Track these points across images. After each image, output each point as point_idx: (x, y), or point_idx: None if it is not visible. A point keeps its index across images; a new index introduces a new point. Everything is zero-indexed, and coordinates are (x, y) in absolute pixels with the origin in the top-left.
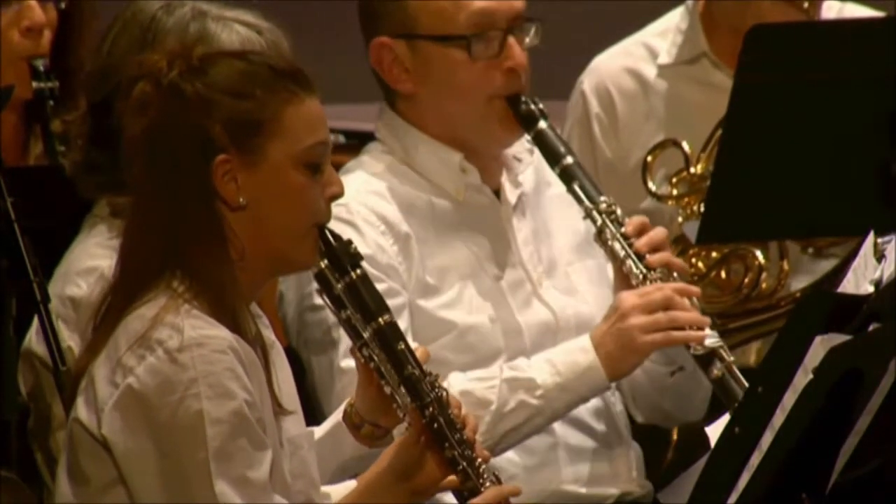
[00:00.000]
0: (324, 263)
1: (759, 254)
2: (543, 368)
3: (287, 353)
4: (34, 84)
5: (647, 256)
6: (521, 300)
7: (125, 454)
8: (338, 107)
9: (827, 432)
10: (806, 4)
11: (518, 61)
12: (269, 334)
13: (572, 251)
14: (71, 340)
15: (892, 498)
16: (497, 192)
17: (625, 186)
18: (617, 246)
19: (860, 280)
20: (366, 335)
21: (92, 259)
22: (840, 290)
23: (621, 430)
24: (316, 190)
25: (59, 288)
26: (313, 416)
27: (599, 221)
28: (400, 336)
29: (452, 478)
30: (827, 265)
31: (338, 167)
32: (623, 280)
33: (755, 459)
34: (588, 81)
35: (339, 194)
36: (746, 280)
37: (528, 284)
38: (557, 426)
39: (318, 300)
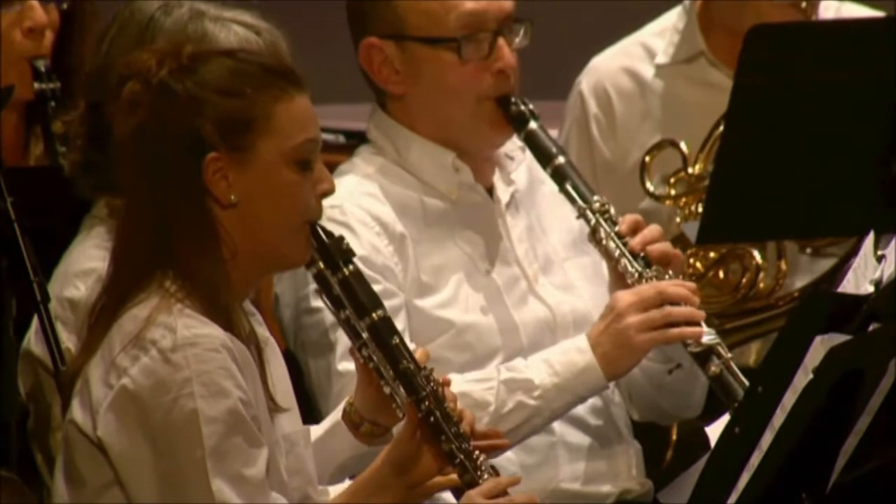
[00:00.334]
0: (322, 264)
1: (756, 254)
2: (541, 369)
3: (285, 356)
4: (35, 85)
5: (647, 248)
6: (517, 297)
7: (121, 455)
8: (338, 107)
9: (827, 432)
10: (804, 4)
11: (507, 62)
12: (262, 331)
13: (567, 248)
14: (69, 342)
15: (892, 498)
16: (490, 191)
17: (623, 187)
18: (611, 245)
19: (860, 280)
20: (364, 335)
21: (90, 261)
22: (840, 290)
23: (621, 428)
24: (307, 187)
25: (57, 289)
26: (311, 417)
27: (593, 221)
28: (394, 331)
29: (453, 476)
30: (825, 265)
31: (337, 167)
32: (618, 279)
33: (755, 459)
34: (586, 82)
35: (330, 191)
36: (744, 280)
37: (523, 282)
38: (557, 424)
39: (315, 303)
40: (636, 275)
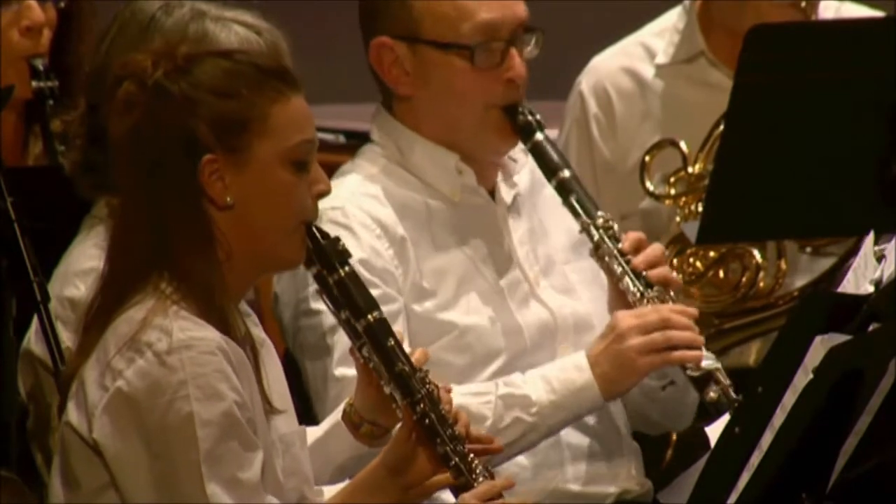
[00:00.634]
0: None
1: (756, 253)
2: (538, 385)
3: (285, 356)
4: (34, 84)
5: (648, 272)
6: (518, 300)
7: (116, 457)
8: (338, 107)
9: (827, 432)
10: (804, 4)
11: (518, 72)
12: (258, 333)
13: (568, 250)
14: (70, 341)
15: (892, 498)
16: (492, 193)
17: (623, 186)
18: (614, 264)
19: (860, 280)
20: (364, 338)
21: (90, 260)
22: (840, 290)
23: (620, 429)
24: (303, 188)
25: (57, 289)
26: (308, 420)
27: (596, 237)
28: (390, 333)
29: (446, 475)
30: (825, 264)
31: (338, 168)
32: (619, 296)
33: (755, 459)
34: (586, 82)
35: (326, 192)
36: (744, 279)
37: (524, 284)
38: None
39: (314, 305)
40: (638, 294)
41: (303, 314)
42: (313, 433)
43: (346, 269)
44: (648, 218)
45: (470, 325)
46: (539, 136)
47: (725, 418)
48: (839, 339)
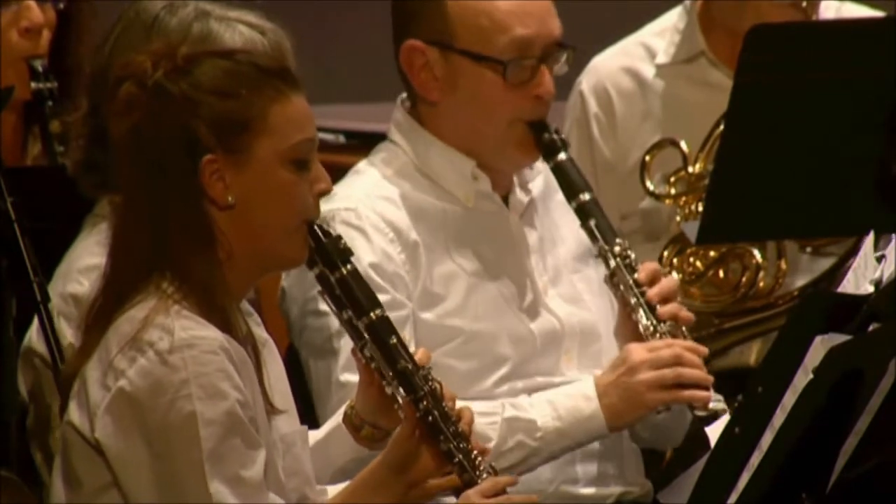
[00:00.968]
0: (320, 264)
1: (756, 253)
2: (545, 411)
3: (289, 351)
4: (33, 84)
5: (659, 309)
6: (526, 308)
7: (118, 457)
8: (338, 107)
9: (827, 432)
10: (804, 4)
11: (547, 89)
12: (260, 332)
13: (576, 259)
14: (73, 338)
15: (892, 498)
16: (505, 199)
17: (623, 186)
18: (629, 294)
19: (860, 280)
20: (367, 335)
21: (93, 257)
22: (840, 290)
23: None
24: (304, 187)
25: (60, 285)
26: (310, 419)
27: (613, 265)
28: (392, 331)
29: (453, 477)
30: (825, 264)
31: (338, 167)
32: (632, 328)
33: (755, 459)
34: (586, 81)
35: (327, 191)
36: (744, 279)
37: (533, 293)
38: None
39: (321, 305)
40: (651, 328)
41: (310, 313)
42: (314, 436)
43: (349, 266)
44: (648, 218)
45: (476, 331)
46: (562, 155)
47: (725, 418)
48: (839, 339)
